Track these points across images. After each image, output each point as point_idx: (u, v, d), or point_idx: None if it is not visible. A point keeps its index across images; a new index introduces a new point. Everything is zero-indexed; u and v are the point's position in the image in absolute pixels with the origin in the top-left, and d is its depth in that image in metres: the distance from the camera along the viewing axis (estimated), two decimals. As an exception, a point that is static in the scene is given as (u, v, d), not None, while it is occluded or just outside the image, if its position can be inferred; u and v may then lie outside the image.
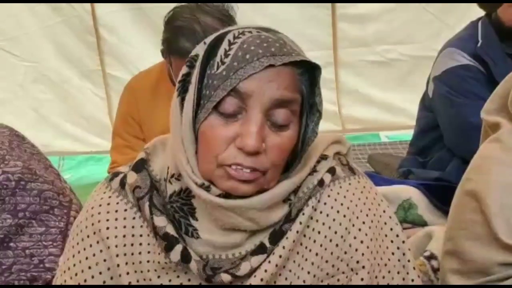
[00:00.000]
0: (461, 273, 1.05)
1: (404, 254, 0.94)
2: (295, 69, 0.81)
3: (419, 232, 1.55)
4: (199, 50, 0.84)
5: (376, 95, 3.55)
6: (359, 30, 3.45)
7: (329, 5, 3.38)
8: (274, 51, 0.79)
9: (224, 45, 0.81)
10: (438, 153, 2.01)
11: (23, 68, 3.42)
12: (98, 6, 3.33)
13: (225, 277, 0.84)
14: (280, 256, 0.86)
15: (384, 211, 0.96)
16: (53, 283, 0.97)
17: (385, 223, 0.95)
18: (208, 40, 0.84)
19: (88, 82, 3.50)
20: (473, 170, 1.07)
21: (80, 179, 3.20)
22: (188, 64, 0.84)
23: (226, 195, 0.81)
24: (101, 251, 0.90)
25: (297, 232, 0.87)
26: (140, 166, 0.91)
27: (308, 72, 0.83)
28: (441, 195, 1.71)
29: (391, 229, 0.95)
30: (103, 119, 3.54)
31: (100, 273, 0.90)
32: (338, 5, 3.39)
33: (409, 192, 1.78)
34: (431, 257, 1.43)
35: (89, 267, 0.90)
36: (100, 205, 0.91)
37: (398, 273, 0.93)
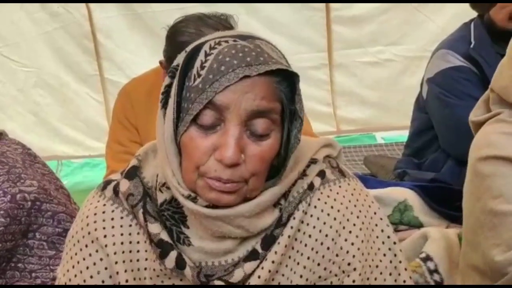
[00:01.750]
0: (509, 245, 1.04)
1: (395, 255, 0.93)
2: (272, 77, 0.78)
3: (415, 234, 1.55)
4: (179, 60, 0.82)
5: (370, 96, 3.54)
6: (353, 32, 3.45)
7: (323, 7, 3.38)
8: (250, 60, 0.77)
9: (201, 56, 0.79)
10: (433, 154, 2.01)
11: (22, 73, 3.40)
12: (95, 11, 3.33)
13: (219, 284, 0.83)
14: (273, 262, 0.85)
15: (375, 213, 0.94)
16: None
17: (376, 225, 0.94)
18: (189, 48, 0.82)
19: (85, 86, 3.49)
20: (482, 144, 1.09)
21: (76, 184, 3.20)
22: (170, 75, 0.83)
23: (213, 205, 0.80)
24: (101, 259, 0.88)
25: (289, 236, 0.86)
26: (133, 173, 0.90)
27: (287, 79, 0.81)
28: (436, 196, 1.72)
29: (382, 230, 0.94)
30: (101, 123, 3.52)
31: (103, 281, 0.88)
32: (332, 7, 3.39)
33: (404, 194, 1.77)
34: (427, 258, 1.42)
35: (91, 277, 0.88)
36: (95, 214, 0.89)
37: (390, 274, 0.92)
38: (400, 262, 0.93)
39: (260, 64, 0.77)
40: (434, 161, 1.97)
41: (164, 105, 0.83)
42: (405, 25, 3.41)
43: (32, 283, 1.21)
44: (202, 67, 0.78)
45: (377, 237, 0.93)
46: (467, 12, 2.04)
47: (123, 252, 0.88)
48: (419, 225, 1.71)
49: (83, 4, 3.30)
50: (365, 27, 3.43)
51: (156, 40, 3.24)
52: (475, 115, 1.18)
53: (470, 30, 1.93)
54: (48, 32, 3.35)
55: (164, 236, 0.84)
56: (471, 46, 1.88)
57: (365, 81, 3.52)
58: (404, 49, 3.45)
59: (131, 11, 3.35)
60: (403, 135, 2.56)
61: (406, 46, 3.44)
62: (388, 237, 0.94)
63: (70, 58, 3.42)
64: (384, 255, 0.93)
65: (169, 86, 0.83)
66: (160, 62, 1.74)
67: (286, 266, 0.89)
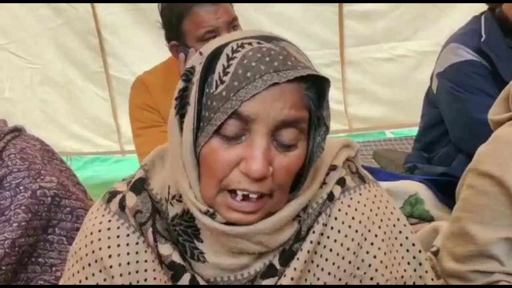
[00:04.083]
0: (458, 258, 1.08)
1: (421, 264, 0.92)
2: (301, 83, 0.75)
3: (426, 227, 1.56)
4: (195, 62, 0.78)
5: (383, 93, 3.53)
6: (366, 27, 3.43)
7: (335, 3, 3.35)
8: (278, 66, 0.73)
9: (222, 60, 0.75)
10: (444, 149, 2.02)
11: (29, 70, 3.47)
12: (99, 7, 3.37)
13: None
14: (292, 278, 0.83)
15: (398, 219, 0.93)
16: None
17: (400, 232, 0.92)
18: (205, 51, 0.78)
19: (91, 84, 3.54)
20: (488, 153, 1.06)
21: (87, 179, 3.24)
22: (184, 78, 0.79)
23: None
24: (105, 280, 0.86)
25: (308, 252, 0.85)
26: (139, 186, 0.86)
27: (316, 85, 0.77)
28: (447, 190, 1.72)
29: (407, 237, 0.92)
30: (108, 121, 3.59)
31: None
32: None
33: (415, 187, 1.79)
34: (438, 252, 1.45)
35: None
36: (99, 230, 0.86)
37: (414, 283, 0.91)
38: (426, 272, 0.92)
39: (289, 70, 0.73)
40: (445, 156, 1.99)
41: (179, 110, 0.79)
42: (419, 20, 3.39)
43: (52, 277, 1.26)
44: (225, 73, 0.73)
45: (400, 244, 0.92)
46: (482, 6, 2.02)
47: (129, 273, 0.85)
48: (430, 219, 1.74)
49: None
50: (378, 22, 3.40)
51: (161, 36, 3.34)
52: (493, 113, 1.15)
53: (480, 23, 1.92)
54: (52, 28, 3.40)
55: (176, 257, 0.82)
56: (482, 40, 1.87)
57: (378, 78, 3.51)
58: (418, 45, 3.42)
59: (135, 6, 3.38)
60: (413, 130, 2.57)
61: (420, 41, 3.41)
62: (413, 244, 0.92)
63: (75, 55, 3.47)
64: (408, 263, 0.91)
65: (183, 91, 0.79)
66: (171, 46, 1.74)
67: (306, 280, 0.87)
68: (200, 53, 0.78)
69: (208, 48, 0.78)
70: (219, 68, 0.74)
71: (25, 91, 3.49)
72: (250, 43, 0.76)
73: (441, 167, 1.96)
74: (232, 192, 0.76)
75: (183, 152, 0.78)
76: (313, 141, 0.81)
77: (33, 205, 1.22)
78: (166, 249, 0.82)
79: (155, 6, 3.32)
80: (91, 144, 3.61)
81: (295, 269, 0.83)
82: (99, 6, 3.37)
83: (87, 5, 3.36)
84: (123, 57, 3.50)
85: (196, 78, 0.76)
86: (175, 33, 1.70)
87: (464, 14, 3.07)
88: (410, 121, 3.36)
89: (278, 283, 0.83)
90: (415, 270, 0.92)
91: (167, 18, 1.71)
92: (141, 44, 3.43)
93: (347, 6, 3.36)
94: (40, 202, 1.23)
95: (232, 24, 1.68)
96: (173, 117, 0.79)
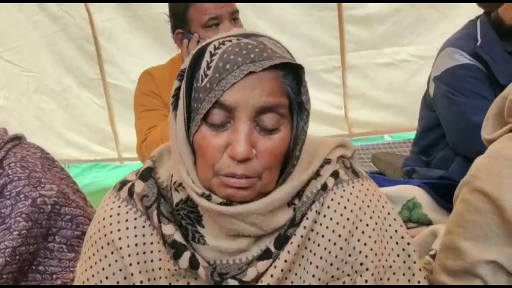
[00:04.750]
0: (448, 272, 1.08)
1: (409, 256, 0.96)
2: (278, 71, 0.83)
3: (424, 231, 1.58)
4: (187, 62, 0.87)
5: (384, 98, 3.54)
6: (366, 32, 3.43)
7: (335, 7, 3.36)
8: (254, 57, 0.81)
9: (206, 57, 0.84)
10: (441, 152, 2.04)
11: (25, 78, 3.49)
12: (95, 14, 3.39)
13: (232, 283, 0.88)
14: (285, 261, 0.90)
15: (388, 213, 0.97)
16: None
17: (390, 225, 0.97)
18: (194, 51, 0.87)
19: (88, 91, 3.55)
20: (484, 168, 1.05)
21: (86, 186, 3.27)
22: (179, 78, 0.88)
23: (227, 202, 0.85)
24: (116, 261, 0.94)
25: (301, 236, 0.91)
26: (147, 174, 0.96)
27: (293, 72, 0.85)
28: (445, 193, 1.75)
29: (396, 231, 0.97)
30: (105, 128, 3.60)
31: (118, 282, 0.94)
32: (344, 6, 3.36)
33: (413, 191, 1.82)
34: (437, 255, 1.46)
35: (107, 277, 0.95)
36: (110, 216, 0.95)
37: (404, 275, 0.95)
38: (414, 262, 0.96)
39: (264, 60, 0.81)
40: (442, 159, 2.01)
41: (175, 107, 0.88)
42: (420, 24, 3.39)
43: (52, 282, 1.27)
44: (208, 67, 0.82)
45: (390, 237, 0.96)
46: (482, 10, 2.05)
47: (137, 254, 0.93)
48: (428, 223, 1.76)
49: (83, 6, 3.35)
50: (379, 27, 3.41)
51: (158, 42, 3.31)
52: (487, 132, 1.14)
53: (476, 27, 1.95)
54: (48, 35, 3.42)
55: (178, 237, 0.89)
56: (478, 44, 1.90)
57: (379, 83, 3.52)
58: (419, 49, 3.43)
59: (132, 12, 3.40)
60: (412, 134, 2.59)
61: (421, 46, 3.41)
62: (402, 237, 0.97)
63: (71, 62, 3.48)
64: (398, 255, 0.95)
65: (178, 89, 0.88)
66: (176, 34, 1.86)
67: (299, 265, 0.93)
68: (192, 54, 0.87)
69: (196, 49, 0.87)
70: (203, 64, 0.84)
71: (21, 99, 3.51)
72: (230, 40, 0.85)
73: (439, 170, 1.99)
74: (223, 176, 0.84)
75: (178, 142, 0.87)
76: (296, 125, 0.88)
77: (34, 213, 1.24)
78: (168, 229, 0.90)
79: (152, 13, 3.38)
80: (88, 151, 3.62)
81: (288, 252, 0.90)
82: (95, 13, 3.39)
83: (84, 12, 3.38)
84: (120, 64, 3.52)
85: (185, 76, 0.86)
86: (181, 21, 1.83)
87: (466, 18, 3.05)
88: (411, 126, 3.34)
89: (273, 265, 0.89)
90: (404, 262, 0.96)
91: (174, 8, 1.85)
92: (138, 51, 3.45)
93: (347, 11, 3.37)
94: (40, 210, 1.25)
95: (234, 15, 1.81)
96: (171, 113, 0.89)
